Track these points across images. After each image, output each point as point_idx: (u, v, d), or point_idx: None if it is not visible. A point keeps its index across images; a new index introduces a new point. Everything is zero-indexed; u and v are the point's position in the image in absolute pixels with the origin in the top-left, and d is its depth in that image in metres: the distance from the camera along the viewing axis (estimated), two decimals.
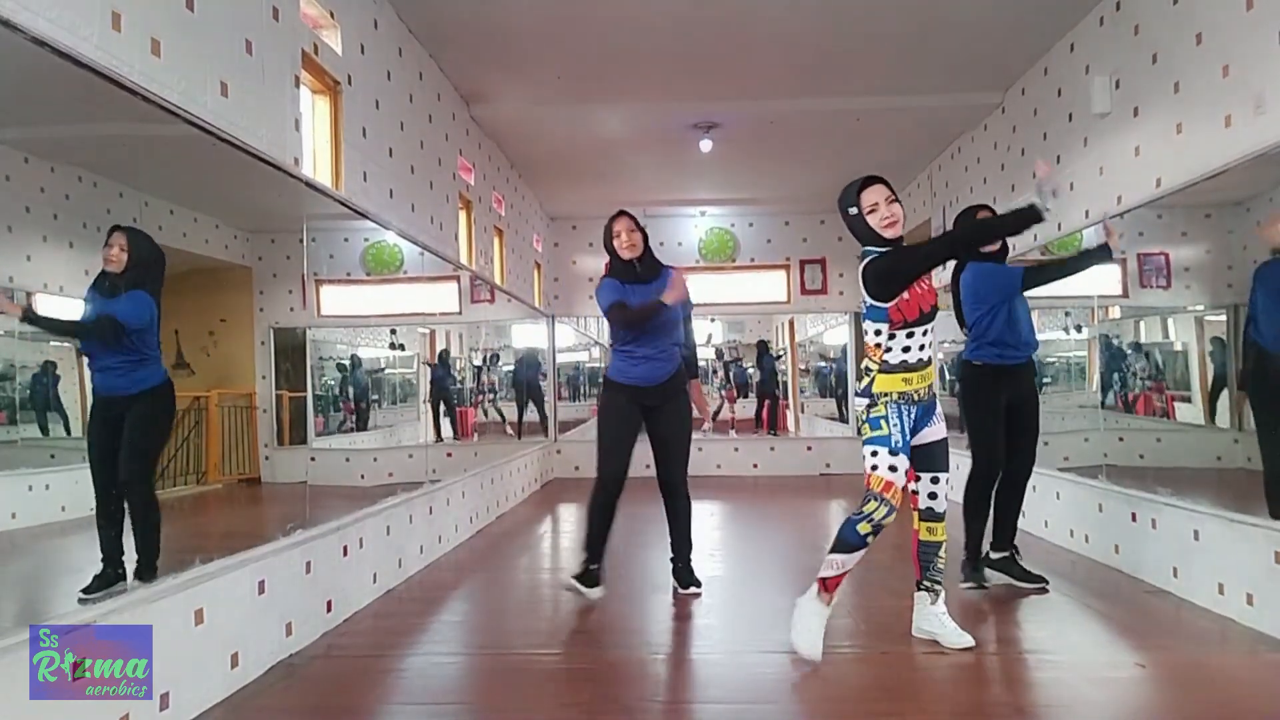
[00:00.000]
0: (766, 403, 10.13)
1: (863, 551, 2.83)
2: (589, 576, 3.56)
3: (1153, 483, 3.85)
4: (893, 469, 2.79)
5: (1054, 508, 4.75)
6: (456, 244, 5.47)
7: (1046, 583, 3.64)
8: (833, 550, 2.83)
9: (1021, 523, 5.08)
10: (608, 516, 3.61)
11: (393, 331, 5.25)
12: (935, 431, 2.94)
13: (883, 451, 2.80)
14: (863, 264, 2.84)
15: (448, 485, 4.91)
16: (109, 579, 2.40)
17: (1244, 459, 3.77)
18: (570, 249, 9.01)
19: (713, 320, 9.29)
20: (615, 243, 3.62)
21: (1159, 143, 3.79)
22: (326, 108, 3.72)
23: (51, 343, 2.72)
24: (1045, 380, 5.81)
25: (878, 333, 2.84)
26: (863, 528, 2.78)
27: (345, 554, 3.44)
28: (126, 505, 2.52)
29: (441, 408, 6.10)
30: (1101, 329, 4.76)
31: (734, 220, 8.99)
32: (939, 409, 2.96)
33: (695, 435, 3.90)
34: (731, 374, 10.64)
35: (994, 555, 3.72)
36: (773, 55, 5.04)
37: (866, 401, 2.86)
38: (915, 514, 2.99)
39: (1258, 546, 3.07)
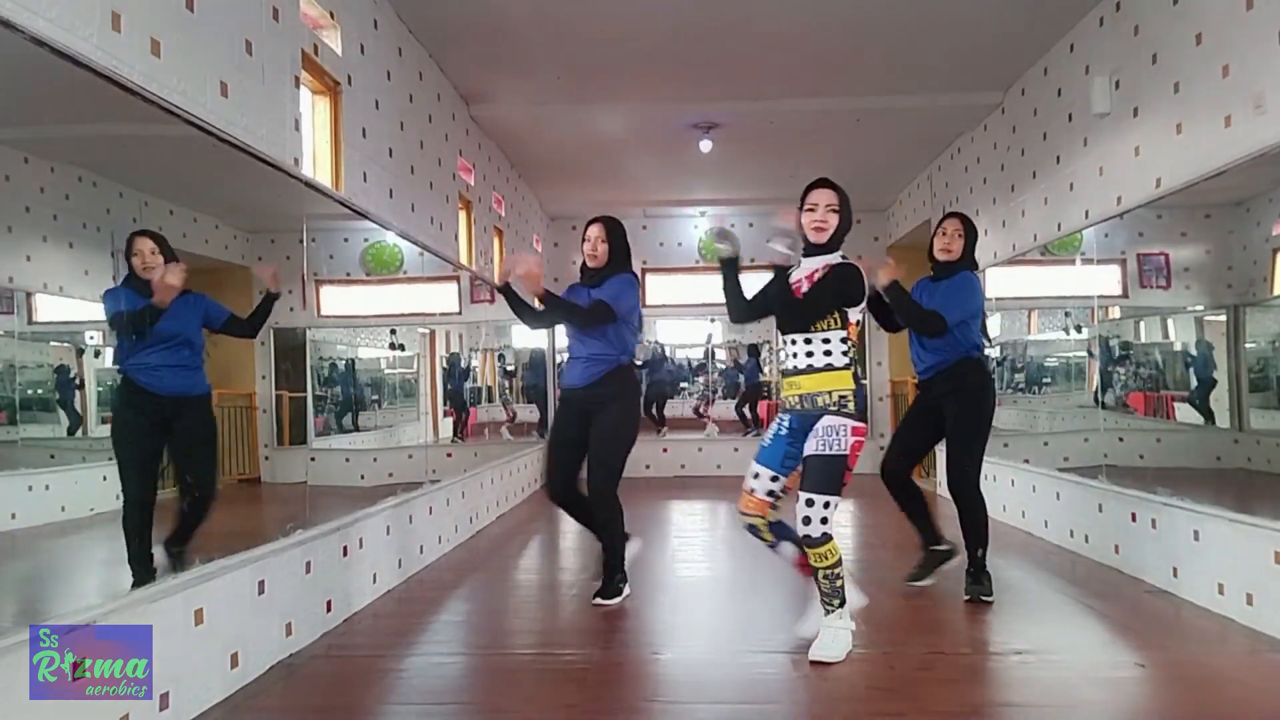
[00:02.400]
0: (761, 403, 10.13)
1: (777, 546, 3.05)
2: (609, 588, 3.59)
3: (1152, 483, 3.85)
4: (751, 475, 3.04)
5: (1054, 508, 4.75)
6: (456, 244, 5.47)
7: (982, 599, 3.48)
8: None
9: (1022, 523, 5.12)
10: (578, 521, 3.69)
11: (393, 332, 5.25)
12: (806, 447, 2.87)
13: None
14: None
15: (447, 485, 4.91)
16: None
17: (1244, 459, 3.77)
18: (570, 249, 9.00)
19: (713, 320, 9.28)
20: (584, 245, 3.62)
21: (1159, 143, 3.79)
22: (326, 108, 3.72)
23: (51, 343, 2.72)
24: (1045, 380, 5.82)
25: None
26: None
27: (345, 554, 3.44)
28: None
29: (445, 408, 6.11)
30: (1094, 331, 4.76)
31: (734, 220, 8.99)
32: (819, 426, 2.85)
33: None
34: (726, 375, 10.63)
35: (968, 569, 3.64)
36: (773, 55, 5.04)
37: None
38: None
39: (1258, 546, 3.07)
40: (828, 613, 2.88)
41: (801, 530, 2.82)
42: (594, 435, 3.53)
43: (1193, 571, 3.45)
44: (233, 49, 2.83)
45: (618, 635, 3.24)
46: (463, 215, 5.73)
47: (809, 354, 2.88)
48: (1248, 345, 3.70)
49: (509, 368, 7.83)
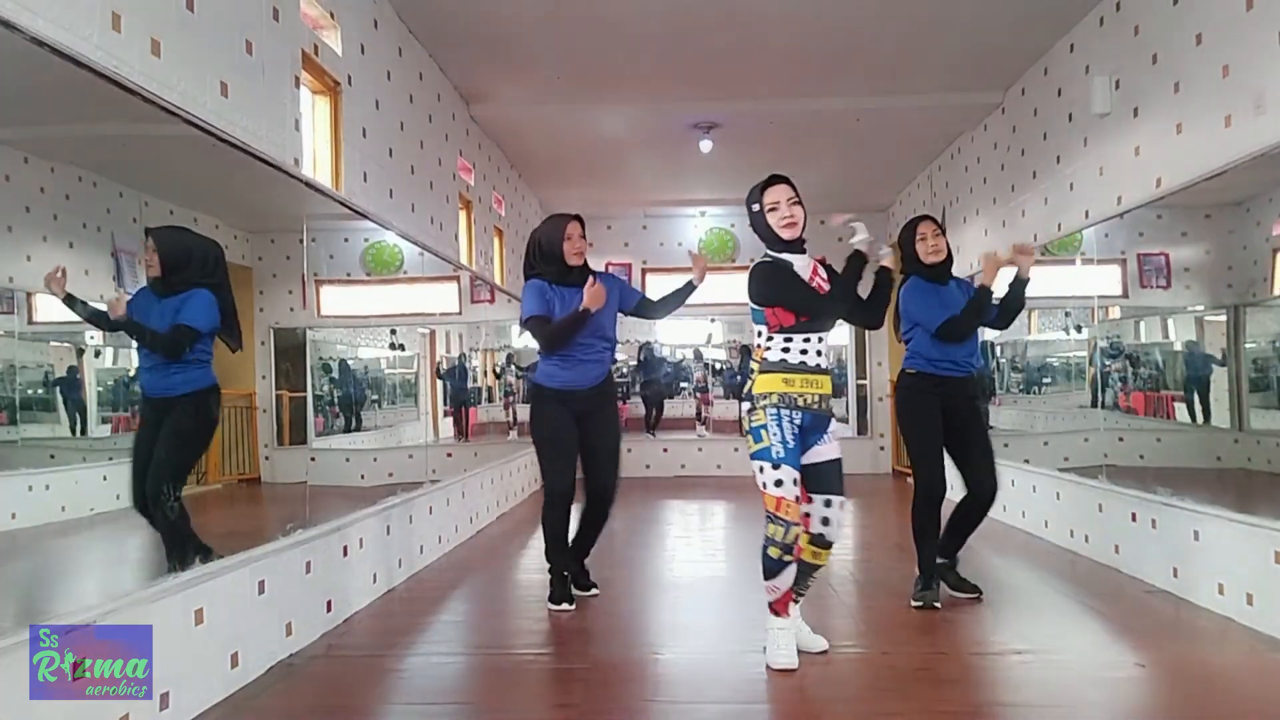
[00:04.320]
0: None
1: (790, 569, 2.74)
2: (562, 588, 3.56)
3: (1152, 483, 3.85)
4: (779, 483, 2.69)
5: (1054, 508, 4.75)
6: (456, 244, 5.47)
7: (980, 593, 3.48)
8: (764, 578, 2.78)
9: (1022, 523, 5.12)
10: (566, 528, 3.60)
11: (393, 332, 5.26)
12: (828, 450, 2.81)
13: (766, 466, 2.71)
14: (753, 265, 2.84)
15: (447, 485, 4.92)
16: None
17: (1244, 459, 3.77)
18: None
19: (713, 320, 9.29)
20: (566, 245, 3.41)
21: (1159, 143, 3.79)
22: (326, 108, 3.72)
23: (51, 343, 2.72)
24: (1046, 380, 5.82)
25: (759, 334, 2.84)
26: (773, 551, 2.71)
27: (345, 554, 3.44)
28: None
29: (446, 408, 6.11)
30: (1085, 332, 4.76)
31: (734, 220, 9.00)
32: (833, 426, 2.84)
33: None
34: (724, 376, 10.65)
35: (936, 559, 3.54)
36: (773, 55, 5.04)
37: (749, 406, 2.80)
38: (805, 535, 2.79)
39: (1258, 546, 3.07)
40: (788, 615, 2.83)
41: (835, 535, 2.83)
42: (605, 435, 3.58)
43: (1193, 571, 3.45)
44: (233, 49, 2.83)
45: (618, 635, 3.24)
46: (463, 215, 5.73)
47: (825, 351, 2.81)
48: (1248, 345, 3.70)
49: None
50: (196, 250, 2.80)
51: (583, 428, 3.51)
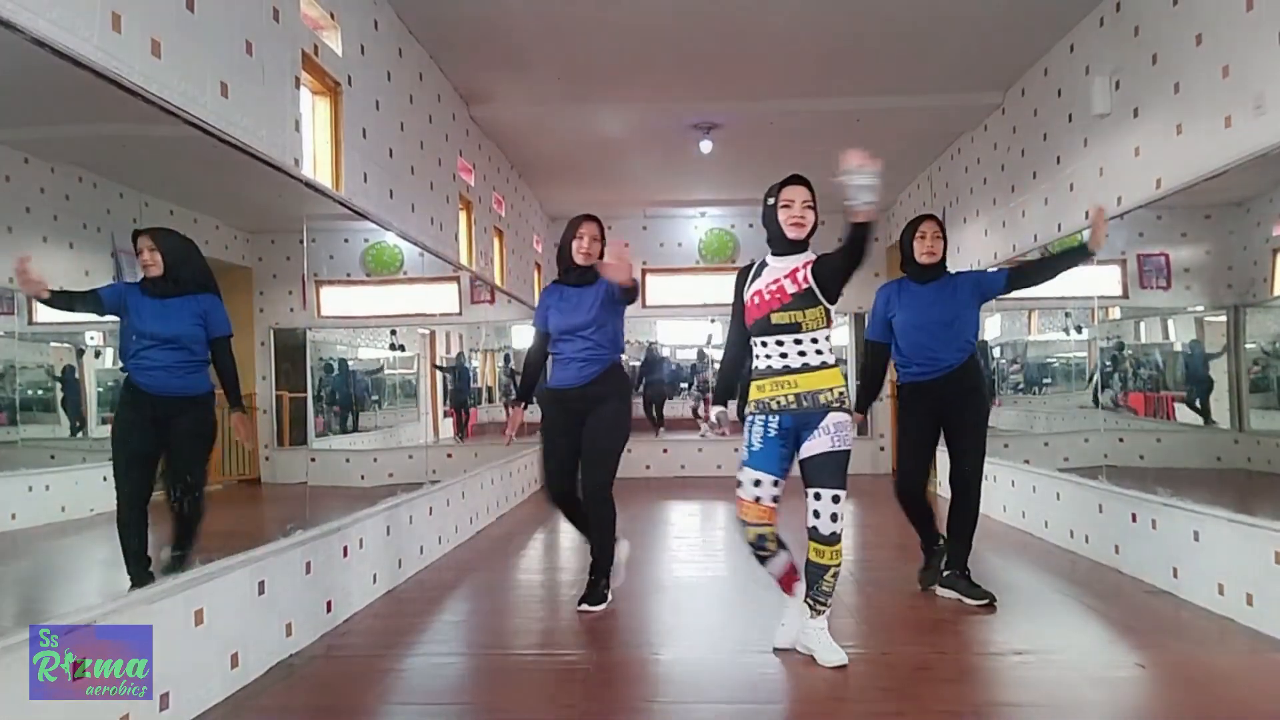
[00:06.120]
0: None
1: (776, 558, 2.98)
2: (591, 589, 3.54)
3: (1152, 483, 3.85)
4: (740, 484, 2.94)
5: (1054, 508, 4.75)
6: (456, 244, 5.47)
7: (993, 600, 3.43)
8: None
9: (1022, 523, 5.12)
10: (578, 523, 3.66)
11: (393, 332, 5.25)
12: (816, 445, 2.80)
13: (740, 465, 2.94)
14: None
15: (447, 485, 4.92)
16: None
17: (1244, 459, 3.77)
18: None
19: (713, 321, 9.28)
20: (575, 244, 3.51)
21: (1159, 143, 3.79)
22: (327, 108, 3.72)
23: (51, 343, 2.72)
24: (1045, 380, 5.81)
25: None
26: (746, 537, 2.98)
27: (345, 554, 3.44)
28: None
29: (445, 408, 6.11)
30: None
31: (734, 220, 9.00)
32: (828, 421, 2.80)
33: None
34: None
35: (944, 572, 3.58)
36: (773, 55, 5.04)
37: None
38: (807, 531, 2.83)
39: (1258, 546, 3.07)
40: (819, 614, 2.83)
41: (829, 528, 2.78)
42: (591, 433, 3.49)
43: (1193, 571, 3.45)
44: (233, 49, 2.84)
45: (618, 635, 3.24)
46: (463, 215, 5.73)
47: (801, 353, 2.83)
48: (1248, 345, 3.70)
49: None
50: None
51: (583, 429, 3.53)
